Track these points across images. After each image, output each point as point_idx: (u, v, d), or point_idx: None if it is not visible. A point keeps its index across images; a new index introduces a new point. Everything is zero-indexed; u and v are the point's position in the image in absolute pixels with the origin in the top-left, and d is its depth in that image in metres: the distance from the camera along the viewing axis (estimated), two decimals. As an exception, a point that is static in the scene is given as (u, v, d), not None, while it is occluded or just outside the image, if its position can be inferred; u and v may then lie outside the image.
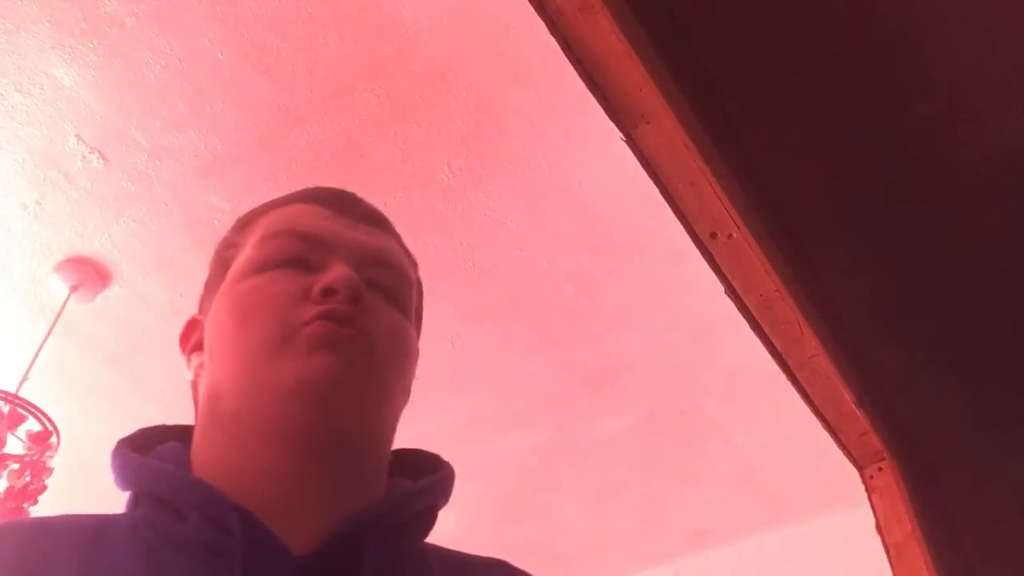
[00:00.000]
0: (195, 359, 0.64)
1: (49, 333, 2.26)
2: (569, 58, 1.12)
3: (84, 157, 2.06)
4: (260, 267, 0.61)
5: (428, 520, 0.60)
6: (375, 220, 0.67)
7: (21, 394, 2.08)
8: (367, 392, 0.57)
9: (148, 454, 0.59)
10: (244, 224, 0.67)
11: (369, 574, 0.52)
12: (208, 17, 1.82)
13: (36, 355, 2.22)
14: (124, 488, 0.58)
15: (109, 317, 2.42)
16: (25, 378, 2.16)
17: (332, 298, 0.57)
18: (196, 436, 0.61)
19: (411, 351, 0.63)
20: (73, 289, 2.28)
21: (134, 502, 0.58)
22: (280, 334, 0.56)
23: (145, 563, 0.53)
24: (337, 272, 0.58)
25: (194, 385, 0.65)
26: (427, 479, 0.60)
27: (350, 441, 0.57)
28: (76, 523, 0.57)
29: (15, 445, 2.04)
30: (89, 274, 2.28)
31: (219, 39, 1.86)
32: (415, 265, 0.70)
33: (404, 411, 0.64)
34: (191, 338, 0.65)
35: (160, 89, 1.94)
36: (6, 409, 2.02)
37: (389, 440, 0.62)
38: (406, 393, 0.63)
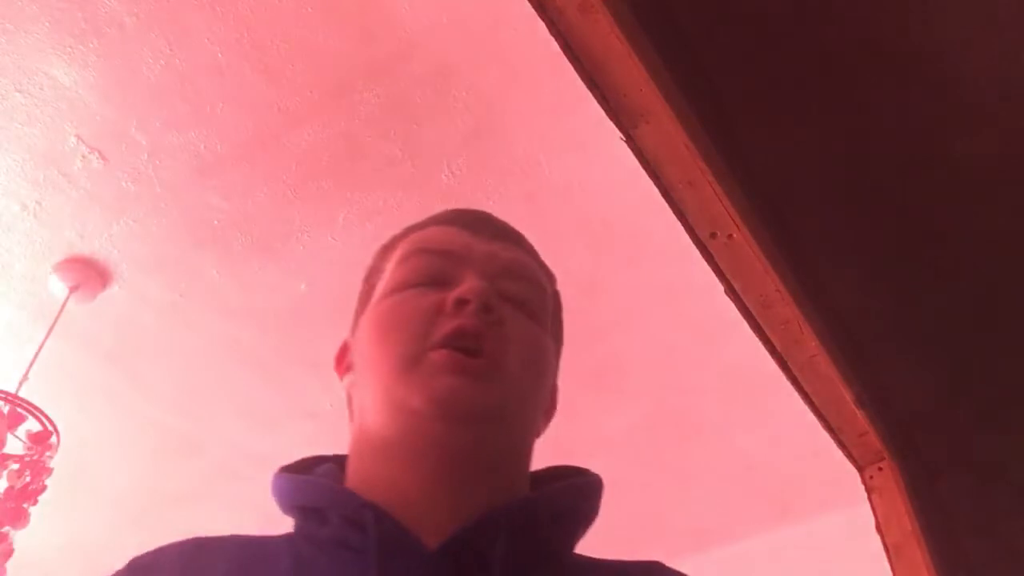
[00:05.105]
0: (348, 380, 0.67)
1: (49, 333, 2.26)
2: (569, 58, 1.12)
3: (84, 157, 2.06)
4: (400, 286, 0.63)
5: (569, 524, 0.61)
6: (509, 236, 0.70)
7: (21, 394, 2.08)
8: (496, 408, 0.58)
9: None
10: (386, 248, 0.70)
11: (497, 568, 0.53)
12: (208, 17, 1.82)
13: (36, 355, 2.22)
14: (284, 508, 0.61)
15: (109, 317, 2.42)
16: (25, 378, 2.16)
17: (464, 310, 0.59)
18: (350, 453, 0.63)
19: (545, 361, 0.64)
20: (73, 289, 2.28)
21: (294, 519, 0.61)
22: (412, 353, 0.58)
23: (292, 567, 0.56)
24: (469, 284, 0.60)
25: (349, 405, 0.67)
26: (561, 483, 0.61)
27: (480, 454, 0.58)
28: (238, 540, 0.60)
29: (15, 445, 2.03)
30: (89, 274, 2.28)
31: (219, 39, 1.86)
32: (552, 279, 0.71)
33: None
34: (344, 361, 0.68)
35: (160, 89, 1.94)
36: (6, 409, 2.01)
37: (525, 451, 0.64)
38: (546, 403, 0.66)
